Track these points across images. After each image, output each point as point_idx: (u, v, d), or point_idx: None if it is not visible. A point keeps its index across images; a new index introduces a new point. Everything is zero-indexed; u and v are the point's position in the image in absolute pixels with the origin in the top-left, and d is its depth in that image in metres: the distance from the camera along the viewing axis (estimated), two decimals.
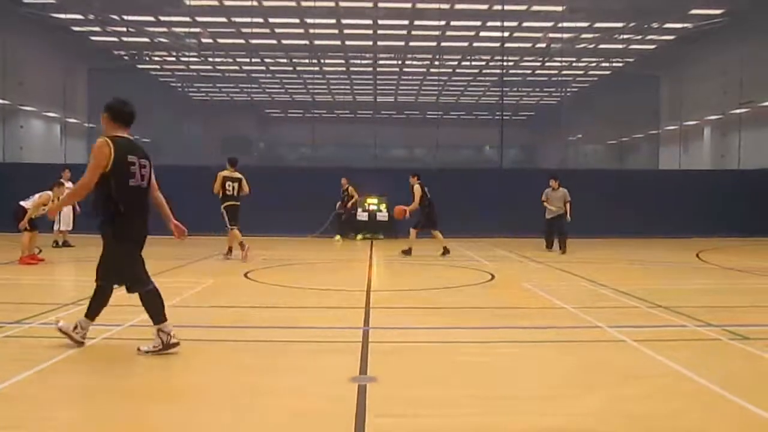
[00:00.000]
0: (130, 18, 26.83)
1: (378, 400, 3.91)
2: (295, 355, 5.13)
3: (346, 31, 27.77)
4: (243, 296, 8.22)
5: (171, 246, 15.22)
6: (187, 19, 26.15)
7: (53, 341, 5.30)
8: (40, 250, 12.94)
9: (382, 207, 19.06)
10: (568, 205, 14.28)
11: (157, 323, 4.98)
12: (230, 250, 12.77)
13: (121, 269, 5.12)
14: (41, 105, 30.34)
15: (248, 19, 25.58)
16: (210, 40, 28.14)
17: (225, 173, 13.07)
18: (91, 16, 26.66)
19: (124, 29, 28.15)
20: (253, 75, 34.06)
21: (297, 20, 25.99)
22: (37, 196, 11.31)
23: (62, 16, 26.52)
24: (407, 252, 13.66)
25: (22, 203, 11.29)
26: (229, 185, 12.95)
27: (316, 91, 37.93)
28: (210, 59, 31.36)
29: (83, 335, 5.14)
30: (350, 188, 18.50)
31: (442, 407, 3.85)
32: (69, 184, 13.88)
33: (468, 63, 31.25)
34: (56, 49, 28.51)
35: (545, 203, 14.61)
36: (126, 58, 31.43)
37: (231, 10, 25.15)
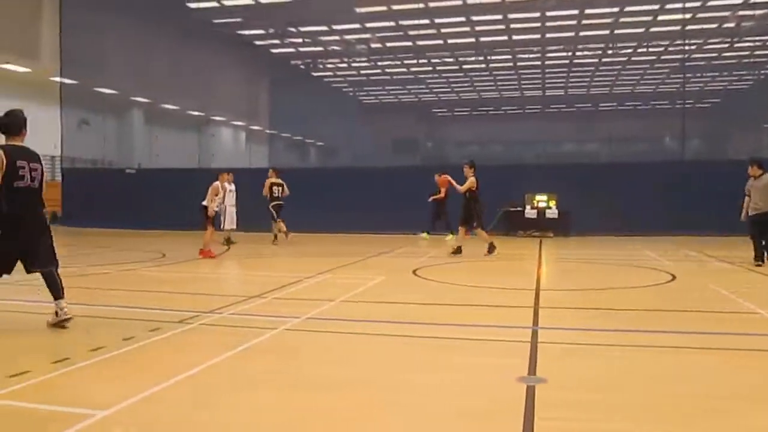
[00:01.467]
0: (306, 29, 28.46)
1: (547, 403, 3.80)
2: (463, 353, 5.14)
3: (512, 26, 27.30)
4: (411, 293, 8.38)
5: (345, 244, 16.00)
6: (358, 26, 27.23)
7: (241, 330, 5.79)
8: (229, 247, 14.18)
9: (552, 204, 18.49)
10: None
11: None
12: (276, 237, 15.50)
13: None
14: (229, 115, 33.21)
15: (415, 21, 26.05)
16: (379, 45, 29.07)
17: (272, 180, 15.62)
18: (272, 30, 28.65)
19: (300, 40, 29.91)
20: (420, 76, 34.61)
21: (463, 18, 26.02)
22: (210, 191, 12.56)
23: (247, 32, 28.83)
24: (490, 250, 12.97)
25: (204, 203, 12.58)
26: (275, 189, 15.57)
27: (482, 88, 37.71)
28: (379, 63, 32.35)
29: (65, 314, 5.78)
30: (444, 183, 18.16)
31: (614, 413, 3.66)
32: (231, 186, 15.19)
33: (644, 50, 29.34)
34: (242, 63, 30.96)
35: (747, 197, 11.11)
36: (302, 67, 33.36)
37: (398, 14, 25.76)
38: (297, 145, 36.90)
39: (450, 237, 16.05)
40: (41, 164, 5.92)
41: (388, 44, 29.53)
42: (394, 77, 34.79)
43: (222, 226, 15.56)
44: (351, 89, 37.53)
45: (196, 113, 29.66)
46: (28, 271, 6.02)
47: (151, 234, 18.47)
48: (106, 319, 6.36)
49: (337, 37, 29.38)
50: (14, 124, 5.93)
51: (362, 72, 34.54)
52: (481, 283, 9.07)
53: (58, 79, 23.57)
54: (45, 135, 25.87)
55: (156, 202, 20.04)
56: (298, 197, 17.23)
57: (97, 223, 20.19)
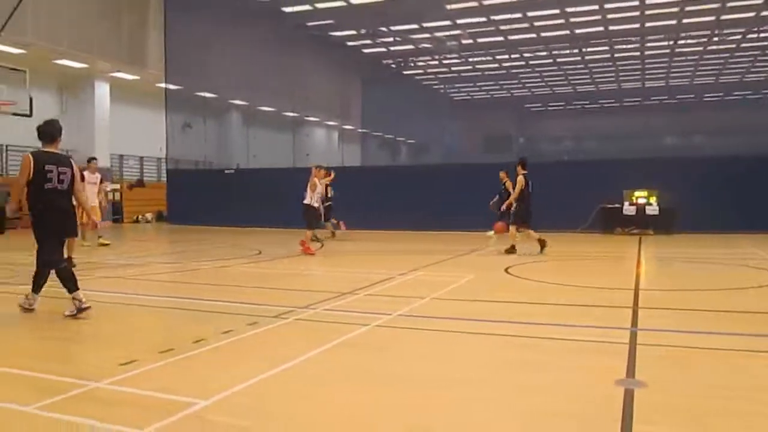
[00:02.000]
0: (397, 28, 28.62)
1: (646, 407, 3.64)
2: (557, 353, 5.02)
3: (609, 16, 26.31)
4: (504, 291, 8.27)
5: (435, 241, 15.97)
6: (448, 22, 27.09)
7: (334, 325, 5.90)
8: (322, 245, 14.49)
9: (652, 200, 17.70)
10: None
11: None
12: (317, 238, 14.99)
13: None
14: (322, 115, 33.88)
15: (507, 16, 25.63)
16: (470, 41, 28.81)
17: (325, 181, 15.47)
18: (363, 31, 29.01)
19: (391, 39, 30.11)
20: (513, 71, 34.03)
21: (557, 11, 25.34)
22: (308, 189, 12.77)
23: (339, 33, 29.31)
24: (542, 246, 12.65)
25: (305, 202, 12.86)
26: (329, 189, 15.92)
27: (577, 81, 36.60)
28: (470, 59, 32.07)
29: (29, 304, 6.46)
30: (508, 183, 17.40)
31: (718, 421, 3.46)
32: (322, 182, 15.51)
33: (755, 35, 27.50)
34: (334, 64, 31.54)
35: None
36: (393, 66, 33.58)
37: (490, 8, 25.43)
38: (388, 144, 37.20)
39: (491, 233, 15.82)
40: (72, 168, 6.54)
41: (480, 40, 29.20)
42: (486, 73, 34.38)
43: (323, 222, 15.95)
44: (442, 86, 37.41)
45: (290, 114, 30.48)
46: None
47: (248, 231, 19.16)
48: (207, 312, 6.65)
49: (427, 35, 29.35)
50: (47, 132, 6.55)
51: (453, 69, 34.33)
52: (577, 282, 8.81)
53: (163, 85, 24.92)
54: (152, 138, 27.54)
55: (253, 201, 20.76)
56: (389, 195, 17.39)
57: (199, 220, 21.17)
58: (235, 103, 29.95)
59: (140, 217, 26.46)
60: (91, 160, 12.10)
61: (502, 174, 17.03)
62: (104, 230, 15.75)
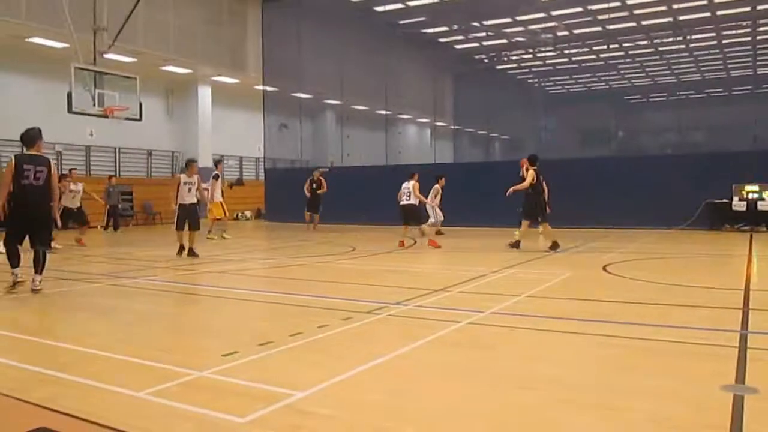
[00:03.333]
0: (489, 22, 28.27)
1: (758, 415, 3.43)
2: (660, 356, 4.81)
3: (717, 0, 24.84)
4: (602, 289, 8.00)
5: (530, 238, 15.67)
6: (543, 14, 26.47)
7: (427, 322, 5.92)
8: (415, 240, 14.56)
9: (765, 195, 16.58)
10: None
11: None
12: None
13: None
14: (415, 112, 33.96)
15: (605, 5, 24.71)
16: (565, 33, 28.03)
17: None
18: (455, 27, 28.85)
19: (484, 34, 29.77)
20: (611, 62, 32.82)
21: None
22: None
23: (430, 30, 29.28)
24: (554, 247, 12.27)
25: (410, 202, 13.24)
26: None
27: (681, 71, 34.77)
28: (566, 51, 31.21)
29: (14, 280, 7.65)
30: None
31: None
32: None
33: None
34: (426, 61, 31.57)
35: None
36: (486, 61, 33.18)
37: None
38: (481, 140, 36.81)
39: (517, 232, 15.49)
40: (49, 167, 7.74)
41: (576, 31, 28.33)
42: (583, 65, 33.31)
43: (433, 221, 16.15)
44: (536, 80, 36.58)
45: (383, 112, 30.75)
46: (32, 247, 7.81)
47: (341, 228, 19.52)
48: (304, 307, 6.84)
49: (521, 28, 28.80)
50: (29, 138, 7.95)
51: (548, 62, 33.45)
52: (682, 281, 8.41)
53: (261, 87, 25.82)
54: (250, 139, 28.59)
55: (346, 199, 21.12)
56: (482, 191, 17.21)
57: (295, 218, 21.75)
58: (330, 102, 30.59)
59: (240, 214, 27.52)
60: (189, 162, 12.80)
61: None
62: (222, 225, 16.86)
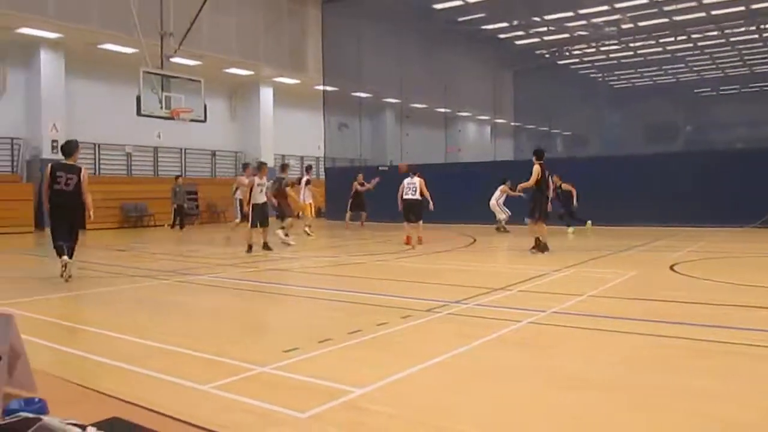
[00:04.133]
0: (551, 17, 27.76)
1: None
2: (730, 358, 4.62)
3: None
4: (668, 290, 7.74)
5: (593, 236, 15.33)
6: (606, 7, 25.81)
7: (486, 321, 5.87)
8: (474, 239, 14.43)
9: None
10: None
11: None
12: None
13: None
14: (474, 110, 33.69)
15: None
16: (630, 25, 27.26)
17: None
18: (515, 22, 28.45)
19: (545, 29, 29.26)
20: (678, 54, 31.72)
21: None
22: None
23: (490, 27, 28.97)
24: (539, 248, 11.54)
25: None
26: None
27: (754, 61, 33.28)
28: (631, 45, 30.35)
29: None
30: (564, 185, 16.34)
31: None
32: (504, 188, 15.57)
33: None
34: (486, 58, 31.27)
35: None
36: (547, 56, 32.60)
37: None
38: (542, 136, 36.20)
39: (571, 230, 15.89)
40: (79, 175, 8.90)
41: (641, 23, 27.50)
42: (648, 58, 32.30)
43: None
44: (600, 74, 35.72)
45: (442, 110, 30.64)
46: (63, 238, 8.91)
47: (401, 227, 19.49)
48: (363, 305, 6.88)
49: (584, 22, 28.16)
50: (68, 149, 9.12)
51: (612, 56, 32.64)
52: (752, 281, 8.06)
53: (321, 87, 26.12)
54: (310, 138, 28.95)
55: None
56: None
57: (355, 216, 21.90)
58: (389, 101, 30.66)
59: (300, 213, 27.91)
60: (262, 165, 13.44)
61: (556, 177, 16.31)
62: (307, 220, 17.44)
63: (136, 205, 22.52)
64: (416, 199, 13.99)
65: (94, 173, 22.33)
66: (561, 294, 7.17)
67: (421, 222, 14.15)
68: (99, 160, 22.70)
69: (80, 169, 9.05)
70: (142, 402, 3.49)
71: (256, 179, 13.06)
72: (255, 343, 5.41)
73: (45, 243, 12.42)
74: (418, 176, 14.19)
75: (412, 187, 14.08)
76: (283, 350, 4.74)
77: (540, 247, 11.69)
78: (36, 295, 7.89)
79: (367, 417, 3.44)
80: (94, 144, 22.44)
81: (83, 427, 0.95)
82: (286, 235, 14.55)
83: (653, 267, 9.76)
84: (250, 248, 12.73)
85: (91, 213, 9.09)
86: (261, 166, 13.46)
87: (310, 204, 17.55)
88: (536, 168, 11.84)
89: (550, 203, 12.30)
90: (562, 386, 3.96)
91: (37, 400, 1.07)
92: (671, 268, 9.45)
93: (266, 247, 13.01)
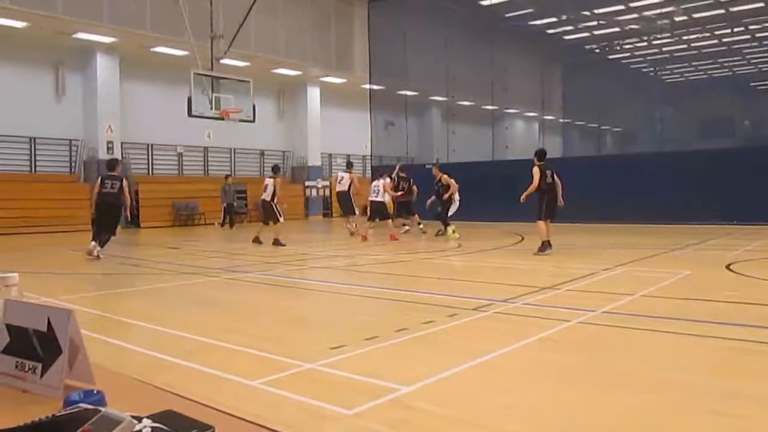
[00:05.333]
0: (601, 11, 27.23)
1: None
2: None
3: None
4: (724, 290, 7.50)
5: (645, 234, 14.98)
6: (659, 0, 25.16)
7: (534, 320, 5.81)
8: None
9: None
10: None
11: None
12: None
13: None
14: (522, 106, 33.30)
15: None
16: (684, 18, 26.48)
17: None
18: (564, 17, 28.00)
19: (595, 23, 28.71)
20: (735, 47, 30.67)
21: None
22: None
23: (538, 22, 28.58)
24: (543, 248, 11.11)
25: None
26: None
27: None
28: (684, 37, 29.52)
29: (89, 251, 11.39)
30: (443, 178, 15.99)
31: None
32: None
33: None
34: (533, 54, 30.88)
35: None
36: (597, 51, 31.99)
37: None
38: (592, 133, 35.53)
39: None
40: (121, 182, 11.60)
41: (695, 15, 26.70)
42: (703, 51, 31.36)
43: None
44: (652, 69, 34.83)
45: (489, 107, 30.37)
46: (103, 232, 11.61)
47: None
48: (409, 303, 6.90)
49: (635, 15, 27.50)
50: (111, 165, 11.98)
51: (665, 49, 31.77)
52: None
53: (367, 86, 26.23)
54: (357, 137, 29.10)
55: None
56: (594, 187, 16.65)
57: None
58: (435, 99, 30.57)
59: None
60: (349, 165, 15.31)
61: (435, 169, 16.51)
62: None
63: (187, 204, 23.03)
64: (380, 201, 15.41)
65: (147, 173, 22.96)
66: (611, 293, 7.03)
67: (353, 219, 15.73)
68: (152, 160, 23.31)
69: (122, 178, 11.81)
70: (194, 396, 3.58)
71: (355, 178, 15.31)
72: (302, 339, 5.48)
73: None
74: (385, 179, 15.60)
75: (376, 189, 15.35)
76: (330, 347, 4.79)
77: (541, 246, 11.25)
78: (93, 291, 8.16)
79: (413, 415, 3.44)
80: (147, 145, 23.06)
81: (139, 419, 0.98)
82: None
83: (709, 266, 9.49)
84: (364, 238, 14.71)
85: (128, 213, 11.56)
86: (351, 165, 16.40)
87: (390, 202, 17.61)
88: (535, 170, 11.43)
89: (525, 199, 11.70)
90: (611, 387, 3.89)
91: (95, 392, 1.11)
92: (728, 267, 9.16)
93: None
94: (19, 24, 17.93)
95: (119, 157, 11.71)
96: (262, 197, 14.35)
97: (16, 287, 1.42)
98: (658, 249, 11.79)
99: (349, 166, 17.13)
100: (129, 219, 12.68)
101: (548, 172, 11.59)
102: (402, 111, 27.23)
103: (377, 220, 15.38)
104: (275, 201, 14.06)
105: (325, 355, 4.57)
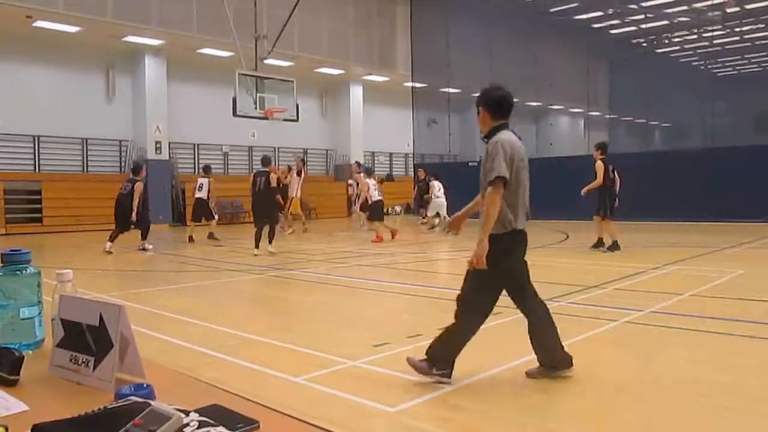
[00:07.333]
0: (648, 4, 26.62)
1: None
2: None
3: None
4: None
5: (696, 233, 14.59)
6: None
7: (581, 319, 5.72)
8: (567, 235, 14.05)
9: None
10: None
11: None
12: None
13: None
14: (567, 102, 32.80)
15: None
16: (736, 9, 25.67)
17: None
18: (611, 11, 27.46)
19: (642, 16, 28.07)
20: None
21: None
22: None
23: (583, 16, 28.10)
24: (603, 245, 10.85)
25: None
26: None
27: None
28: (737, 29, 28.61)
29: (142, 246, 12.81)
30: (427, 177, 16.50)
31: None
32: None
33: None
34: (579, 49, 30.35)
35: None
36: (644, 45, 31.28)
37: None
38: (639, 128, 34.73)
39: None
40: (133, 184, 12.44)
41: (748, 6, 25.84)
42: (757, 43, 30.33)
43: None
44: (702, 62, 33.85)
45: (534, 104, 30.01)
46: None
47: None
48: (450, 301, 6.84)
49: (685, 7, 26.77)
50: (137, 168, 13.09)
51: (716, 42, 30.83)
52: None
53: (410, 84, 26.20)
54: (400, 135, 29.11)
55: None
56: (642, 183, 16.29)
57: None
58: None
59: (389, 209, 28.15)
60: (369, 171, 16.28)
61: (420, 171, 17.28)
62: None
63: (232, 202, 23.39)
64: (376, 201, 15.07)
65: (194, 172, 23.41)
66: (660, 293, 6.87)
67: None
68: (198, 159, 23.76)
69: (136, 181, 12.55)
70: (239, 391, 3.64)
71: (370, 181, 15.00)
72: (345, 337, 5.51)
73: (150, 240, 13.16)
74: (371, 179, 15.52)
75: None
76: (373, 344, 4.81)
77: (612, 246, 10.92)
78: (143, 287, 8.37)
79: (456, 413, 3.43)
80: (194, 144, 23.51)
81: (186, 413, 1.00)
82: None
83: (763, 265, 9.19)
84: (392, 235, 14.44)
85: (133, 215, 12.29)
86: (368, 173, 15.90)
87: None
88: (599, 164, 11.14)
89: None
90: (661, 388, 3.81)
91: (145, 385, 1.14)
92: None
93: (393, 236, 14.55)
94: (72, 29, 18.48)
95: (147, 159, 12.40)
96: (197, 196, 15.19)
97: (70, 283, 1.47)
98: (710, 247, 11.47)
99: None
100: (135, 221, 12.60)
101: (610, 167, 11.33)
102: (444, 108, 27.10)
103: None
104: (209, 199, 15.13)
105: (368, 352, 4.59)
